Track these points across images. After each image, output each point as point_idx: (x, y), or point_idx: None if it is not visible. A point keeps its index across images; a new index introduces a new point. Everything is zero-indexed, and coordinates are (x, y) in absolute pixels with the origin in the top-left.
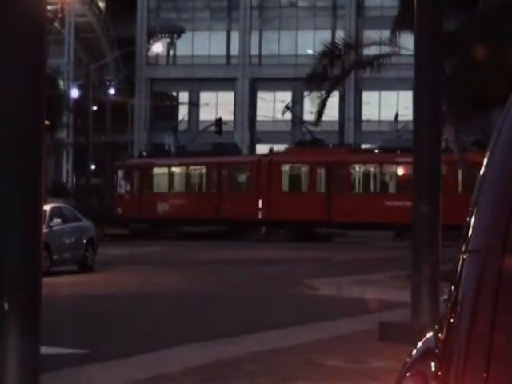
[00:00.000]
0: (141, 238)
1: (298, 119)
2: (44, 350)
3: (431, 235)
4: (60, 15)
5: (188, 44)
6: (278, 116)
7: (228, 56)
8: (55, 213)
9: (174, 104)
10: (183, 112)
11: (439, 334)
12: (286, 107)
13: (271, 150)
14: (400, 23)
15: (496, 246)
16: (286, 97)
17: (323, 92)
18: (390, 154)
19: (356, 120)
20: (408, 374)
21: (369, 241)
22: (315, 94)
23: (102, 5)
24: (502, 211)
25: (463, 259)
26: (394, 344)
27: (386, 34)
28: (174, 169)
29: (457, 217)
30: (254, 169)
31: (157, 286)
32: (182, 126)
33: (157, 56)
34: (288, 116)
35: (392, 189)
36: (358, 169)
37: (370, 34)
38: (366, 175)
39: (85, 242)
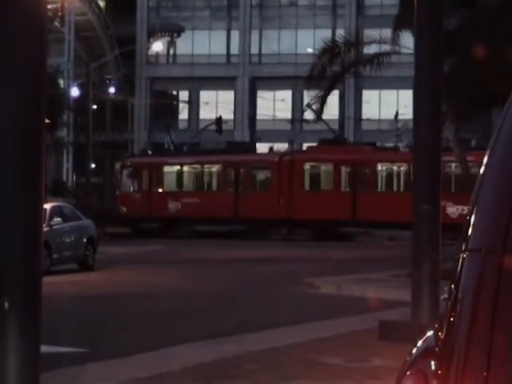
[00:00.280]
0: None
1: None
2: (44, 348)
3: (431, 233)
4: (60, 14)
5: (188, 43)
6: (278, 115)
7: (228, 55)
8: (55, 212)
9: (174, 103)
10: (183, 111)
11: (439, 333)
12: (308, 105)
13: (271, 148)
14: (400, 22)
15: (496, 245)
16: (285, 95)
17: (322, 91)
18: None
19: (356, 118)
20: (408, 373)
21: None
22: (315, 92)
23: (102, 3)
24: (502, 210)
25: (463, 258)
26: (394, 343)
27: (386, 32)
28: (186, 167)
29: None
30: (275, 167)
31: (157, 284)
32: (182, 125)
33: (157, 55)
34: (288, 115)
35: None
36: (383, 167)
37: (370, 33)
38: (392, 174)
39: (85, 240)
